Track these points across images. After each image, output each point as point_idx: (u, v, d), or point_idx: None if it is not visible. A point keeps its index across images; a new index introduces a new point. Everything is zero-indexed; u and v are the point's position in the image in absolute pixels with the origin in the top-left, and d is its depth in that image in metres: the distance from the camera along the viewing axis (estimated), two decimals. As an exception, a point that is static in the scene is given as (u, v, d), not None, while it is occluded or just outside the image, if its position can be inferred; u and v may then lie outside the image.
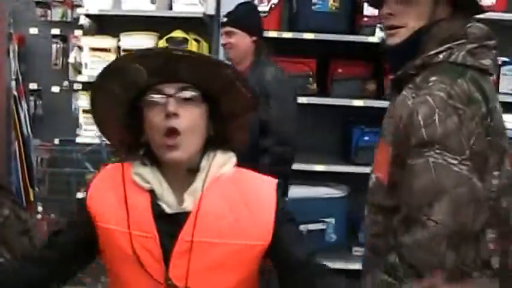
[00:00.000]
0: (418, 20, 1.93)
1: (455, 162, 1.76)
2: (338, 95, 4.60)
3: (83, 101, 4.81)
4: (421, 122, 1.79)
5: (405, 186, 1.81)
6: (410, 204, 1.80)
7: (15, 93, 3.55)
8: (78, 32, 4.89)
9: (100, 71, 1.70)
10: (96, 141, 4.65)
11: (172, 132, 1.61)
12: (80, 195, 4.74)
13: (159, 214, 1.67)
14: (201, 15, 4.54)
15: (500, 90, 4.75)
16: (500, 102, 4.58)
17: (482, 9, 2.02)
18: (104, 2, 4.68)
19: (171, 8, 4.66)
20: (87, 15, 4.81)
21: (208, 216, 1.66)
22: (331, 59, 4.72)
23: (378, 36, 4.50)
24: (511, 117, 4.52)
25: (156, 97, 1.65)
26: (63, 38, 5.05)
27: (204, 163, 1.70)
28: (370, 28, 4.55)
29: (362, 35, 4.55)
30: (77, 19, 4.95)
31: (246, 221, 1.68)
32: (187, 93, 1.65)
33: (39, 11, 5.09)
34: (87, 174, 4.91)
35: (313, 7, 4.53)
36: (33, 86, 5.09)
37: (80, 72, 4.80)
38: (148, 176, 1.70)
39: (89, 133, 4.76)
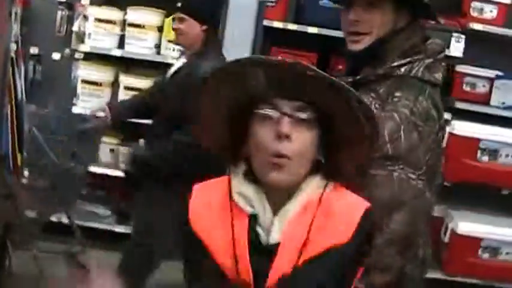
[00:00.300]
0: (381, 28, 1.98)
1: (413, 176, 1.86)
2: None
3: (82, 70, 4.85)
4: (387, 138, 1.86)
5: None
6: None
7: (13, 55, 3.54)
8: (85, 1, 4.88)
9: (216, 69, 1.54)
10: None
11: (281, 156, 1.47)
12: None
13: (254, 244, 1.51)
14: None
15: (491, 103, 4.89)
16: (490, 115, 4.74)
17: (437, 20, 2.14)
18: (113, -27, 4.74)
19: (180, -12, 4.71)
20: (96, -15, 4.84)
21: (293, 240, 1.51)
22: (333, 55, 4.81)
23: (380, 37, 4.60)
24: (501, 130, 4.72)
25: (271, 112, 1.49)
26: (69, 6, 5.04)
27: (303, 186, 1.54)
28: (373, 28, 4.65)
29: (365, 35, 4.64)
30: (85, -13, 4.94)
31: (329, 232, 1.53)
32: (304, 114, 1.49)
33: (47, -24, 5.10)
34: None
35: (320, 2, 4.62)
36: (34, 50, 5.07)
37: (82, 42, 4.83)
38: (253, 197, 1.54)
39: (85, 104, 4.82)
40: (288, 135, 1.46)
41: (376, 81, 1.98)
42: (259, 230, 1.52)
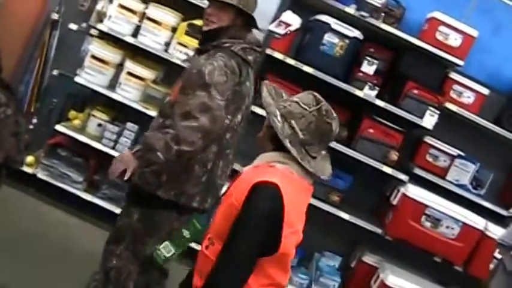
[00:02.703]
0: (222, 22, 3.30)
1: (219, 98, 3.10)
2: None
3: (94, 47, 5.19)
4: (206, 72, 3.13)
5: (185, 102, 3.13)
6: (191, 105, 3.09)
7: (54, 18, 3.88)
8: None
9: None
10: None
11: None
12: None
13: None
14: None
15: (447, 178, 5.31)
16: (446, 189, 5.10)
17: (257, 27, 3.44)
18: (148, -32, 5.11)
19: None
20: (129, -26, 5.19)
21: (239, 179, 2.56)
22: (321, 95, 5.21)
23: (364, 92, 5.04)
24: (448, 204, 5.13)
25: None
26: (99, -15, 5.42)
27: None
28: (360, 83, 5.08)
29: (352, 86, 5.07)
30: (118, -27, 5.29)
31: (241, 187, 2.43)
32: None
33: (87, -46, 5.46)
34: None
35: (321, 47, 5.05)
36: (54, 16, 5.41)
37: (101, 21, 5.19)
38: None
39: (88, 76, 5.18)
40: None
41: (212, 49, 3.25)
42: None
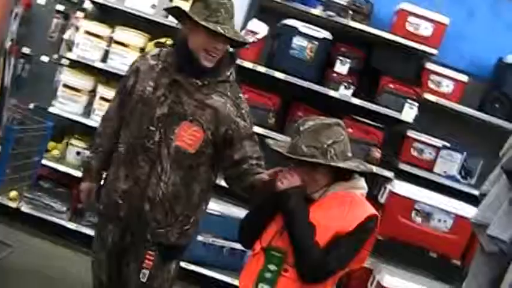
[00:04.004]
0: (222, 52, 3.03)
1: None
2: (289, 135, 5.00)
3: (65, 76, 5.20)
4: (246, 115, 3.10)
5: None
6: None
7: (7, 47, 3.88)
8: (80, 14, 5.26)
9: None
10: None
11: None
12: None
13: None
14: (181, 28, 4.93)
15: (434, 170, 5.21)
16: (435, 182, 5.01)
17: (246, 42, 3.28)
18: (110, -7, 5.11)
19: (167, 16, 5.05)
20: (92, 1, 5.23)
21: (322, 207, 2.55)
22: (295, 101, 5.16)
23: (339, 92, 4.97)
24: (437, 196, 5.02)
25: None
26: (65, 16, 5.44)
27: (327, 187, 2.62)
28: (335, 84, 5.01)
29: (327, 88, 5.00)
30: (82, 2, 5.33)
31: (338, 217, 2.50)
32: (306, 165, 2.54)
33: (51, -15, 5.51)
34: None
35: (291, 51, 5.00)
36: (26, 50, 5.47)
37: (70, 50, 5.19)
38: None
39: (62, 106, 5.18)
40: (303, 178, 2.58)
41: (219, 83, 3.05)
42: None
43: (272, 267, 2.54)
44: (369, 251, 2.63)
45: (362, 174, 2.63)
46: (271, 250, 2.57)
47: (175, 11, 3.18)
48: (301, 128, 2.53)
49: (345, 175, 2.59)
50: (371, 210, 2.56)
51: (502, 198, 3.36)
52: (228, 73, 3.11)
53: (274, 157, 2.70)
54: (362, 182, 2.64)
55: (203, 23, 2.92)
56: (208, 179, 3.18)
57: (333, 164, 2.49)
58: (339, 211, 2.50)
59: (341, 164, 2.52)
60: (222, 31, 2.94)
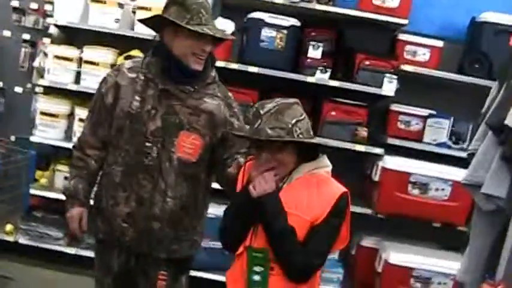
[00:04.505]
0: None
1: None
2: (274, 126, 4.95)
3: (41, 103, 5.16)
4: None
5: None
6: None
7: None
8: (46, 40, 5.26)
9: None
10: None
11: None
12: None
13: None
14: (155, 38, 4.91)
15: (424, 140, 5.16)
16: (423, 151, 4.96)
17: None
18: (73, 15, 5.07)
19: (132, 29, 5.05)
20: (56, 25, 5.18)
21: (287, 195, 2.50)
22: (273, 93, 5.09)
23: (316, 77, 4.91)
24: (431, 165, 4.97)
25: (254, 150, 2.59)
26: (33, 44, 5.42)
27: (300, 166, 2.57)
28: (311, 69, 4.96)
29: (303, 75, 4.95)
30: (47, 28, 5.30)
31: (311, 205, 2.47)
32: (274, 146, 2.47)
33: (14, 16, 5.47)
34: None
35: (261, 44, 4.95)
36: (-4, 84, 5.46)
37: (42, 77, 5.16)
38: None
39: (42, 133, 5.15)
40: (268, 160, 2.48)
41: (208, 85, 3.01)
42: None
43: (258, 268, 2.50)
44: (348, 228, 2.62)
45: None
46: (253, 251, 2.52)
47: (155, 20, 3.05)
48: (262, 112, 2.47)
49: (311, 155, 2.56)
50: (339, 188, 2.55)
51: (492, 154, 3.29)
52: (213, 73, 3.06)
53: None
54: (326, 160, 2.62)
55: (189, 26, 2.84)
56: (207, 184, 3.14)
57: (305, 140, 2.46)
58: (308, 197, 2.48)
59: (313, 140, 2.52)
60: (210, 32, 2.87)
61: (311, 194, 2.48)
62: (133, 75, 3.03)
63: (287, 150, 2.48)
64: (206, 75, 3.01)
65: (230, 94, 3.12)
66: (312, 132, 2.57)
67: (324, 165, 2.60)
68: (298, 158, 2.53)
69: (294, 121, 2.46)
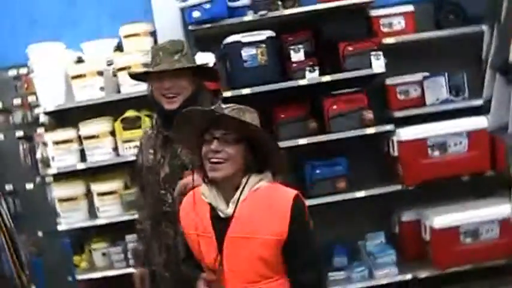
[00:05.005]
0: (187, 90, 3.05)
1: None
2: (284, 137, 5.01)
3: (56, 191, 5.17)
4: None
5: None
6: None
7: None
8: (40, 130, 5.27)
9: (179, 115, 2.45)
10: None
11: (213, 163, 2.36)
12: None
13: (216, 217, 2.41)
14: (147, 93, 4.94)
15: (427, 103, 5.22)
16: (433, 113, 5.00)
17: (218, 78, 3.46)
18: (58, 98, 5.08)
19: (119, 91, 5.07)
20: (46, 113, 5.20)
21: (241, 218, 2.35)
22: (272, 107, 5.16)
23: (307, 78, 4.97)
24: (442, 124, 5.03)
25: (208, 137, 2.38)
26: (28, 138, 5.44)
27: (243, 181, 2.39)
28: (299, 72, 5.02)
29: (294, 80, 5.00)
30: (37, 118, 5.31)
31: (269, 222, 2.33)
32: (229, 137, 2.35)
33: (1, 117, 5.50)
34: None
35: (244, 64, 4.99)
36: (8, 187, 5.45)
37: (48, 166, 5.14)
38: (206, 193, 2.45)
39: (67, 220, 5.14)
40: (218, 150, 2.34)
41: None
42: (217, 210, 2.41)
43: None
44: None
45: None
46: None
47: (136, 76, 3.30)
48: (224, 106, 2.45)
49: (258, 169, 2.43)
50: (288, 194, 2.40)
51: (506, 95, 3.35)
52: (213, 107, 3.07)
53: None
54: (270, 174, 2.47)
55: (144, 69, 2.96)
56: None
57: (260, 132, 2.41)
58: (262, 216, 2.35)
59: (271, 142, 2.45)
60: (152, 69, 3.03)
61: (264, 212, 2.36)
62: (151, 131, 3.24)
63: (240, 147, 2.37)
64: None
65: None
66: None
67: (265, 175, 2.44)
68: (245, 166, 2.40)
69: (254, 122, 2.44)
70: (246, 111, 2.44)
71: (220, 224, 2.38)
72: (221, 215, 2.39)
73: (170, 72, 3.01)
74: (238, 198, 2.37)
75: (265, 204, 2.37)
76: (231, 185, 2.41)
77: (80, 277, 5.13)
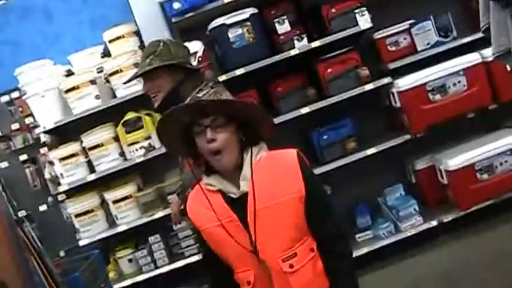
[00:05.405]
0: (166, 87, 3.19)
1: None
2: (285, 110, 5.03)
3: (71, 208, 5.13)
4: None
5: None
6: None
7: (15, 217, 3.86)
8: (43, 150, 5.25)
9: (163, 115, 2.34)
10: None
11: (215, 153, 2.31)
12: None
13: (230, 201, 2.37)
14: (143, 92, 4.93)
15: (419, 49, 5.25)
16: (426, 58, 5.00)
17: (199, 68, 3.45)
18: (55, 114, 5.06)
19: (115, 96, 5.05)
20: (46, 132, 5.15)
21: (258, 191, 2.33)
22: (268, 83, 5.15)
23: (297, 47, 4.97)
24: (440, 66, 5.04)
25: (198, 129, 2.32)
26: (33, 160, 5.41)
27: (245, 157, 2.37)
28: (288, 43, 5.01)
29: (284, 52, 5.00)
30: (38, 139, 5.30)
31: (284, 183, 2.36)
32: (218, 122, 2.30)
33: (1, 145, 5.47)
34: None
35: (233, 45, 4.99)
36: (21, 213, 5.41)
37: (59, 184, 5.12)
38: (213, 182, 2.40)
39: (88, 233, 5.12)
40: (214, 139, 2.30)
41: None
42: (228, 194, 2.38)
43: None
44: None
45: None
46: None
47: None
48: (200, 95, 2.36)
49: (254, 141, 2.42)
50: (291, 153, 2.45)
51: (503, 20, 3.36)
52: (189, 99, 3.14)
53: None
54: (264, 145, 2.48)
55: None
56: None
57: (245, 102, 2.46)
58: (277, 180, 2.38)
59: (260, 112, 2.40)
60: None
61: (275, 176, 2.38)
62: None
63: (231, 128, 2.34)
64: None
65: None
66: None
67: (261, 146, 2.44)
68: (241, 144, 2.39)
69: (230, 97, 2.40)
70: (222, 91, 2.39)
71: (239, 205, 2.36)
72: (234, 196, 2.37)
73: (146, 75, 3.21)
74: (251, 174, 2.35)
75: (273, 169, 2.39)
76: (233, 166, 2.38)
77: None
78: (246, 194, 2.35)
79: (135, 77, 3.28)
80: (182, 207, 3.51)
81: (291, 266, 2.36)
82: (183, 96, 2.86)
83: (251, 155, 2.37)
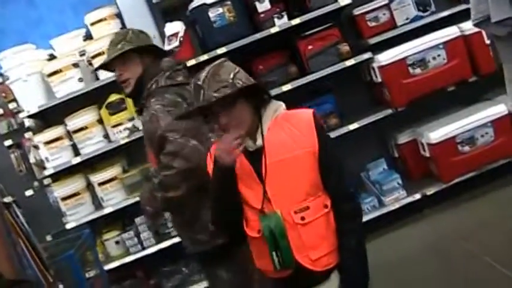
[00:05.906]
0: (136, 72, 3.20)
1: (177, 137, 3.00)
2: (268, 88, 5.00)
3: (58, 191, 5.17)
4: (154, 126, 3.06)
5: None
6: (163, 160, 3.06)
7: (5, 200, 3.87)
8: (28, 134, 5.25)
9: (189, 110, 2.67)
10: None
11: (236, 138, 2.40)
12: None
13: (249, 154, 2.48)
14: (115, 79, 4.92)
15: (398, 24, 5.30)
16: (405, 33, 5.03)
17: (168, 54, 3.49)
18: (39, 98, 5.09)
19: (98, 79, 5.07)
20: (30, 116, 5.16)
21: (273, 144, 2.45)
22: (250, 61, 5.18)
23: (278, 24, 5.01)
24: (419, 40, 5.08)
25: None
26: (18, 145, 5.40)
27: (263, 113, 2.49)
28: (269, 21, 5.05)
29: (265, 30, 5.03)
30: (22, 123, 5.29)
31: (299, 138, 2.44)
32: (226, 102, 2.39)
33: (-15, 131, 5.44)
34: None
35: (214, 25, 5.01)
36: (8, 199, 5.40)
37: (44, 168, 5.14)
38: None
39: (74, 217, 5.16)
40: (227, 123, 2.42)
41: (146, 102, 3.17)
42: (248, 148, 2.48)
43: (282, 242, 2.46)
44: None
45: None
46: (269, 231, 2.46)
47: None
48: (199, 82, 2.45)
49: (264, 101, 2.54)
50: (307, 112, 2.54)
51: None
52: (149, 85, 3.19)
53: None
54: (275, 101, 2.59)
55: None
56: None
57: (249, 84, 2.45)
58: (291, 136, 2.47)
59: (256, 81, 2.53)
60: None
61: (291, 132, 2.48)
62: None
63: (239, 105, 2.45)
64: (142, 92, 3.21)
65: (154, 103, 3.14)
66: (252, 79, 2.53)
67: (279, 104, 2.57)
68: (254, 109, 2.50)
69: (231, 75, 2.45)
70: (219, 69, 2.47)
71: (256, 158, 2.47)
72: (250, 149, 2.48)
73: (116, 62, 3.21)
74: (265, 130, 2.47)
75: (289, 125, 2.48)
76: (252, 130, 2.49)
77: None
78: (263, 148, 2.46)
79: (109, 60, 3.23)
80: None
81: (303, 218, 2.44)
82: (154, 77, 3.17)
83: (265, 113, 2.49)
